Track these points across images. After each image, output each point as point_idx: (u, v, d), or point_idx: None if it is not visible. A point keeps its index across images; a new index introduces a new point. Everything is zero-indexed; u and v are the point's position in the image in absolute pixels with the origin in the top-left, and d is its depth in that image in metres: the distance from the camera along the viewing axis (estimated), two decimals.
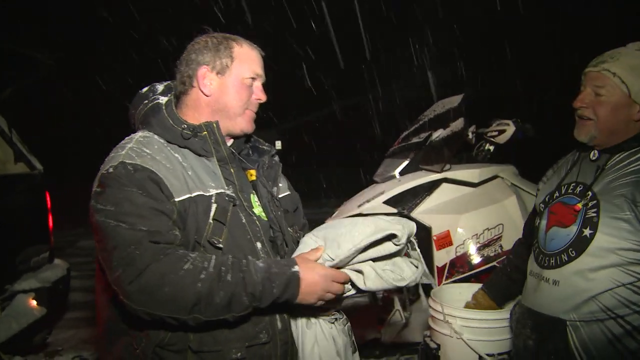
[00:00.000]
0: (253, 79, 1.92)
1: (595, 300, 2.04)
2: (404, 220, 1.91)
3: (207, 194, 1.77)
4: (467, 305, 2.59)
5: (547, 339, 2.17)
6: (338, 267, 1.85)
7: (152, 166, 1.72)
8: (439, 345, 2.33)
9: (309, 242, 1.93)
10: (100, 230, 1.65)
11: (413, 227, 1.90)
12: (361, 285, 1.85)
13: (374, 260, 1.86)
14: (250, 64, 1.92)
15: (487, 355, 2.23)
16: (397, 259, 1.90)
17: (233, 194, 1.83)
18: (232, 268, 1.66)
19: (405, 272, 1.89)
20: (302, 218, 2.24)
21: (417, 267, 1.92)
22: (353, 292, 1.92)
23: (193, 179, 1.78)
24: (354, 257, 1.83)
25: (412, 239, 1.91)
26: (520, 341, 2.29)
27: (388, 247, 1.83)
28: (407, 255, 1.96)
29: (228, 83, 1.89)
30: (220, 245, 1.73)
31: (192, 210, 1.74)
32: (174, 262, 1.61)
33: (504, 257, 3.47)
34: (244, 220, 1.83)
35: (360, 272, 1.86)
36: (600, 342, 2.03)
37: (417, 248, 1.95)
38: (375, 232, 1.80)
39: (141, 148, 1.77)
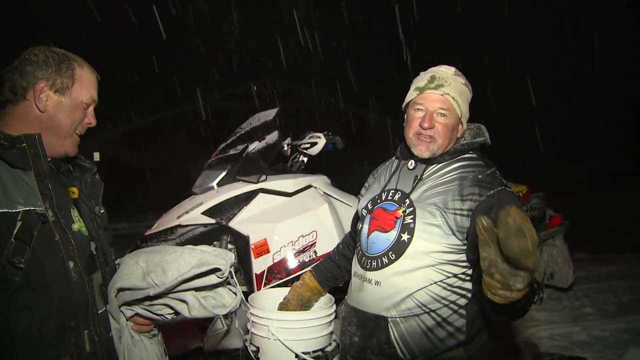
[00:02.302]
0: (88, 104, 1.90)
1: (412, 298, 2.22)
2: (225, 252, 2.02)
3: (13, 211, 1.68)
4: (294, 286, 2.70)
5: (371, 335, 2.32)
6: (163, 294, 1.88)
7: None
8: (258, 348, 2.40)
9: (130, 263, 1.94)
10: None
11: (232, 257, 2.02)
12: (187, 315, 1.94)
13: (197, 289, 1.93)
14: (89, 89, 1.90)
15: (303, 353, 2.34)
16: (219, 288, 1.99)
17: (43, 211, 1.74)
18: None
19: (226, 299, 2.00)
20: (110, 237, 2.21)
21: (235, 294, 2.03)
22: (176, 317, 1.98)
23: None
24: (178, 286, 1.88)
25: (231, 269, 2.01)
26: (347, 338, 2.43)
27: (211, 279, 1.93)
28: (227, 282, 2.06)
29: (65, 103, 1.83)
30: (21, 266, 1.65)
31: None
32: None
33: (319, 262, 3.66)
34: (57, 238, 1.77)
35: (184, 301, 1.92)
36: (416, 334, 2.22)
37: (234, 277, 2.06)
38: (201, 265, 1.88)
39: None
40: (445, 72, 2.39)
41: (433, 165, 2.37)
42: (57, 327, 1.75)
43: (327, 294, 2.74)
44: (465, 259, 2.25)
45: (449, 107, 2.31)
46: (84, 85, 1.89)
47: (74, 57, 1.91)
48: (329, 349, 2.44)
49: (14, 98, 1.82)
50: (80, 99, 1.87)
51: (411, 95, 2.42)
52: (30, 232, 1.70)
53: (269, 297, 2.73)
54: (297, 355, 2.34)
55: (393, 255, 2.29)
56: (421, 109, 2.35)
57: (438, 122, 2.32)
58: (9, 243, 1.65)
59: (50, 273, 1.74)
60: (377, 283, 2.31)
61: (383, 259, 2.31)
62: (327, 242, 3.62)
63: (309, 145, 4.16)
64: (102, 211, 2.14)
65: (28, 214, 1.71)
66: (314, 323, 2.40)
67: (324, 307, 2.56)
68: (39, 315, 1.71)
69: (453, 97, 2.31)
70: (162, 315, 2.00)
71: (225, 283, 2.04)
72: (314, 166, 4.31)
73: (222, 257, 1.95)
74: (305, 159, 4.26)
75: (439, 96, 2.32)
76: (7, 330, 1.67)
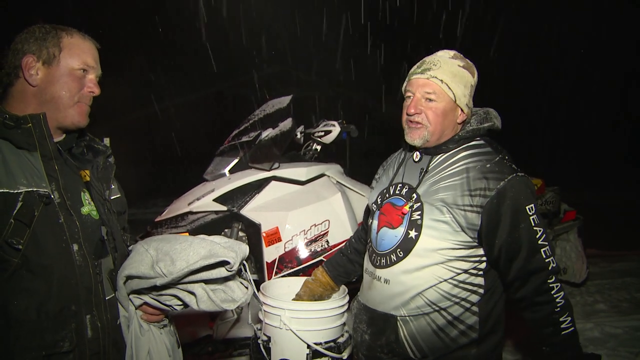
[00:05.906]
0: (84, 70, 1.82)
1: (421, 296, 2.17)
2: (237, 244, 1.96)
3: (14, 192, 1.64)
4: (306, 282, 2.65)
5: (381, 333, 2.27)
6: (171, 284, 1.84)
7: None
8: (269, 338, 2.37)
9: (141, 250, 1.90)
10: None
11: (246, 250, 1.96)
12: (194, 307, 1.88)
13: (206, 282, 1.88)
14: (81, 55, 1.82)
15: (315, 343, 2.30)
16: (230, 281, 1.95)
17: (47, 192, 1.71)
18: None
19: (236, 293, 1.94)
20: (125, 222, 2.17)
21: (247, 287, 1.98)
22: (185, 309, 1.94)
23: None
24: (186, 277, 1.83)
25: (244, 262, 1.96)
26: (358, 336, 2.39)
27: (220, 272, 1.87)
28: (240, 274, 2.01)
29: (55, 73, 1.77)
30: (19, 247, 1.62)
31: None
32: None
33: (330, 251, 3.62)
34: (61, 220, 1.73)
35: (192, 293, 1.87)
36: (427, 333, 2.17)
37: (248, 270, 2.02)
38: (209, 256, 1.82)
39: None
40: (440, 55, 2.28)
41: (439, 156, 2.27)
42: (56, 311, 1.71)
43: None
44: (475, 253, 2.19)
45: (436, 90, 2.19)
46: (74, 52, 1.82)
47: (63, 27, 1.85)
48: (341, 340, 2.41)
49: (10, 79, 1.79)
50: (71, 67, 1.80)
51: (404, 83, 2.33)
52: (31, 213, 1.66)
53: (281, 286, 2.70)
54: (309, 346, 2.31)
55: (401, 252, 2.23)
56: (409, 96, 2.27)
57: (426, 108, 2.21)
58: (8, 223, 1.62)
59: (51, 255, 1.70)
60: (386, 281, 2.27)
61: (391, 256, 2.26)
62: (340, 231, 3.58)
63: (322, 134, 4.12)
64: (117, 196, 2.11)
65: (30, 194, 1.67)
66: (327, 314, 2.36)
67: (336, 298, 2.52)
68: (37, 298, 1.68)
69: (442, 80, 2.19)
70: (170, 306, 1.95)
71: (237, 276, 1.99)
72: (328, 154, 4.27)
73: (233, 250, 1.89)
74: (319, 147, 4.22)
75: (425, 80, 2.21)
76: (4, 312, 1.64)
